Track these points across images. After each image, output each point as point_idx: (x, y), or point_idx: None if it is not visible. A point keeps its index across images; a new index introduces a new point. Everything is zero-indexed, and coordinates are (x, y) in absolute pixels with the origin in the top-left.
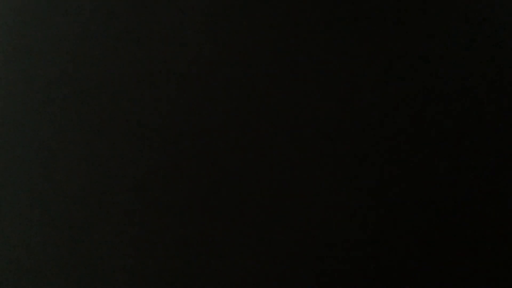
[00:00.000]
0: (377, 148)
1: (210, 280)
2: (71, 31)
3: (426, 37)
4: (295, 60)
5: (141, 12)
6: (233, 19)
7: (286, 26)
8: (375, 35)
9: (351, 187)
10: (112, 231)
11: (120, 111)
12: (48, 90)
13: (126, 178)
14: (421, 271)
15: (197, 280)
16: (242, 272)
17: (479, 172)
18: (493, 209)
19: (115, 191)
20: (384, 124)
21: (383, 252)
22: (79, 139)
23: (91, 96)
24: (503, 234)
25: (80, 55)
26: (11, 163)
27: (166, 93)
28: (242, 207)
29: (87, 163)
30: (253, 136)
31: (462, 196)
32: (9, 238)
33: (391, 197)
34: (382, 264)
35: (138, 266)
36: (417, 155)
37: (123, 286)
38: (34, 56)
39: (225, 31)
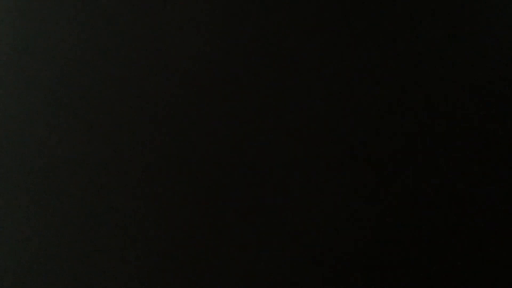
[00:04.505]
0: (377, 148)
1: (210, 280)
2: (71, 31)
3: (426, 37)
4: (296, 60)
5: (141, 12)
6: (234, 19)
7: (287, 26)
8: (375, 35)
9: (351, 187)
10: (112, 231)
11: (120, 111)
12: (48, 90)
13: (126, 178)
14: (420, 271)
15: (197, 280)
16: (242, 272)
17: (480, 172)
18: (493, 209)
19: (115, 191)
20: (384, 124)
21: (383, 253)
22: (79, 139)
23: (92, 96)
24: (503, 235)
25: (80, 55)
26: (11, 163)
27: (167, 93)
28: (242, 207)
29: (87, 163)
30: (254, 135)
31: (462, 197)
32: (9, 238)
33: (391, 197)
34: (382, 264)
35: (138, 266)
36: (417, 155)
37: (123, 286)
38: (34, 57)
39: (227, 31)
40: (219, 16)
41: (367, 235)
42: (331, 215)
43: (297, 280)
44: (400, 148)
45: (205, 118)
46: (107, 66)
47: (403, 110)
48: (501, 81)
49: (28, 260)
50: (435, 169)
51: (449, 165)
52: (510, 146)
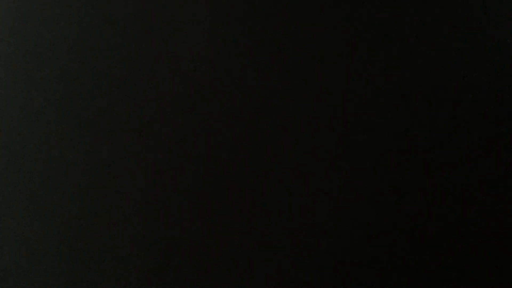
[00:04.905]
0: (377, 148)
1: (210, 280)
2: (71, 31)
3: (426, 37)
4: (297, 60)
5: (142, 13)
6: (235, 20)
7: (288, 27)
8: (375, 35)
9: (351, 187)
10: (112, 231)
11: (121, 111)
12: (49, 90)
13: (126, 177)
14: (420, 271)
15: (197, 280)
16: (242, 272)
17: (480, 172)
18: (493, 209)
19: (115, 191)
20: (383, 124)
21: (383, 253)
22: (79, 139)
23: (92, 96)
24: (503, 235)
25: (81, 56)
26: (11, 163)
27: (167, 93)
28: (242, 207)
29: (87, 163)
30: (255, 135)
31: (462, 196)
32: (9, 238)
33: (391, 197)
34: (382, 264)
35: (139, 266)
36: (417, 155)
37: (123, 286)
38: (34, 57)
39: (227, 32)
40: (219, 16)
41: (367, 235)
42: (331, 215)
43: (297, 280)
44: (400, 148)
45: (205, 118)
46: (107, 67)
47: (403, 110)
48: (501, 81)
49: (28, 260)
50: (435, 169)
51: (449, 164)
52: (510, 146)
